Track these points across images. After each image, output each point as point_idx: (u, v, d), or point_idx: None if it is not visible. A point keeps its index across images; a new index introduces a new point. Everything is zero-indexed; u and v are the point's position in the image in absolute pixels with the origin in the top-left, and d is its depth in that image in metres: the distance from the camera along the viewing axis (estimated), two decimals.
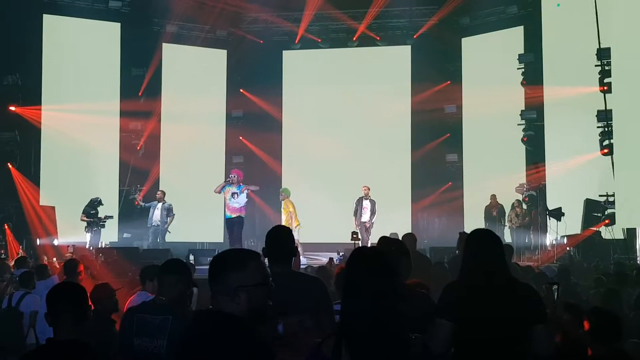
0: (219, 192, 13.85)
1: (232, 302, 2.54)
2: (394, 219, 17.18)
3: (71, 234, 14.96)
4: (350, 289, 2.52)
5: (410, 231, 17.26)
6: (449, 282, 3.85)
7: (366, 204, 15.35)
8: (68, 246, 10.31)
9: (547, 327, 3.58)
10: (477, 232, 3.87)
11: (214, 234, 18.14)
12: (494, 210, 16.64)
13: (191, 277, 4.45)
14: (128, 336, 4.09)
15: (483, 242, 3.75)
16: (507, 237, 16.16)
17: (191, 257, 13.75)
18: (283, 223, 14.30)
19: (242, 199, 13.62)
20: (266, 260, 8.44)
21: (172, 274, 4.20)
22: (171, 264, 4.39)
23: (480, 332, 3.51)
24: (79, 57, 17.85)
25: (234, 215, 13.66)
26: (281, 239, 4.06)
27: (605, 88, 14.24)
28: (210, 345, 2.52)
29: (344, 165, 18.82)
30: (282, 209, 14.80)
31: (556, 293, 4.08)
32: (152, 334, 3.99)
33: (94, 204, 15.30)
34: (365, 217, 15.26)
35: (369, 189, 15.46)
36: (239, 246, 12.63)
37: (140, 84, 18.46)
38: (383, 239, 4.28)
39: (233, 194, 13.57)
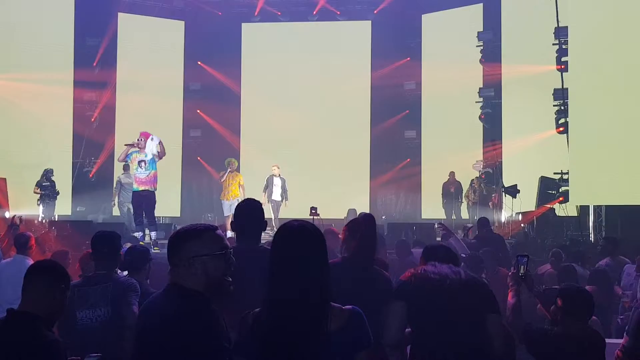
0: (124, 160, 11.65)
1: (188, 273, 2.52)
2: (352, 195, 17.24)
3: (24, 206, 14.61)
4: (279, 264, 2.47)
5: (368, 207, 17.53)
6: (409, 270, 3.78)
7: (277, 181, 15.25)
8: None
9: (500, 319, 3.58)
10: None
11: (170, 207, 17.93)
12: (451, 187, 16.77)
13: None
14: (71, 311, 4.22)
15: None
16: (465, 214, 16.35)
17: (146, 232, 13.54)
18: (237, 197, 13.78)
19: (150, 168, 11.13)
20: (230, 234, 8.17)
21: (105, 244, 4.49)
22: (102, 236, 4.58)
23: (435, 323, 3.46)
24: (31, 26, 17.32)
25: (141, 188, 11.20)
26: (250, 213, 3.95)
27: (562, 67, 14.37)
28: (165, 317, 2.48)
29: (303, 140, 18.73)
30: (230, 181, 14.05)
31: (526, 266, 4.10)
32: (94, 304, 4.26)
33: (47, 174, 15.02)
34: (277, 195, 15.16)
35: (278, 167, 15.33)
36: (153, 228, 11.64)
37: (95, 53, 18.06)
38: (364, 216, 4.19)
39: (140, 162, 11.05)
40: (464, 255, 6.82)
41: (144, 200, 11.29)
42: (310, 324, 2.37)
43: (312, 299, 2.40)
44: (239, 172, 14.35)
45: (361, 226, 4.03)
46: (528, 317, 4.26)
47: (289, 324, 2.38)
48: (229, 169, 14.11)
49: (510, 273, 4.19)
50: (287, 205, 15.05)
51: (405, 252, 8.16)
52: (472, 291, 3.49)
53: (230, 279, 2.61)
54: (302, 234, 2.52)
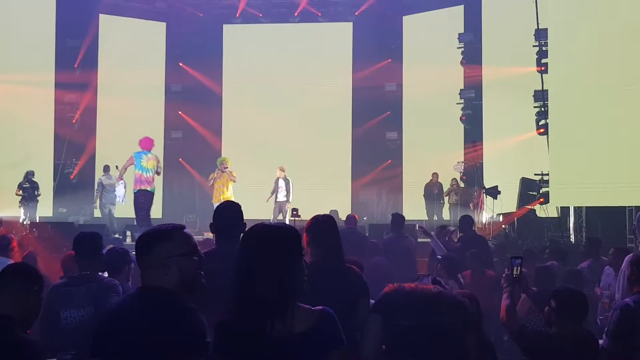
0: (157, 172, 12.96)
1: (162, 273, 2.53)
2: (333, 196, 17.25)
3: (5, 208, 14.50)
4: (257, 266, 2.46)
5: (350, 208, 17.57)
6: (391, 284, 3.75)
7: (281, 183, 15.37)
8: None
9: (474, 337, 3.52)
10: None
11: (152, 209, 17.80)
12: (434, 189, 16.84)
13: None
14: (55, 310, 4.26)
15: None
16: (446, 215, 16.42)
17: (127, 233, 13.50)
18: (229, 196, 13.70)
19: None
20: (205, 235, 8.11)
21: (88, 244, 4.52)
22: (83, 237, 4.61)
23: (409, 341, 3.38)
24: (12, 27, 17.20)
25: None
26: (229, 215, 3.96)
27: (542, 68, 14.48)
28: (141, 317, 2.48)
29: (284, 141, 18.71)
30: (222, 182, 14.03)
31: (520, 268, 4.13)
32: (78, 304, 4.28)
33: (28, 176, 14.95)
34: (281, 196, 15.30)
35: (282, 170, 15.45)
36: (154, 224, 11.77)
37: (76, 55, 17.92)
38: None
39: None
40: (439, 257, 6.87)
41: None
42: (275, 323, 2.39)
43: (272, 297, 2.40)
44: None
45: (324, 228, 4.00)
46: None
47: (256, 325, 2.39)
48: (218, 169, 14.11)
49: (504, 275, 4.21)
50: (289, 206, 15.13)
51: (371, 254, 8.27)
52: (449, 309, 3.44)
53: (202, 273, 2.64)
54: (277, 235, 2.52)
